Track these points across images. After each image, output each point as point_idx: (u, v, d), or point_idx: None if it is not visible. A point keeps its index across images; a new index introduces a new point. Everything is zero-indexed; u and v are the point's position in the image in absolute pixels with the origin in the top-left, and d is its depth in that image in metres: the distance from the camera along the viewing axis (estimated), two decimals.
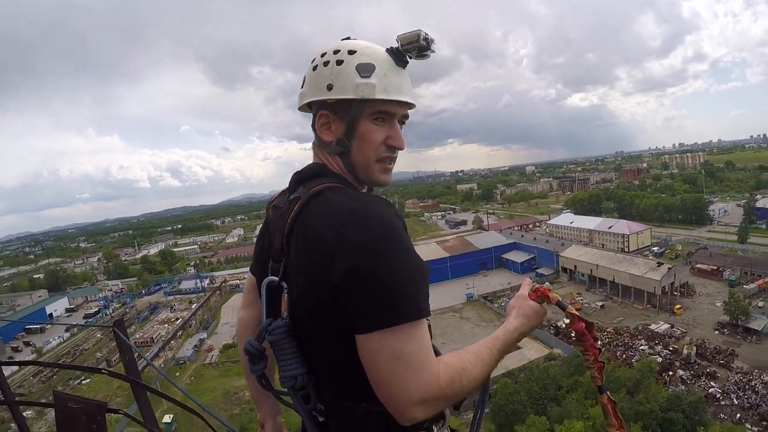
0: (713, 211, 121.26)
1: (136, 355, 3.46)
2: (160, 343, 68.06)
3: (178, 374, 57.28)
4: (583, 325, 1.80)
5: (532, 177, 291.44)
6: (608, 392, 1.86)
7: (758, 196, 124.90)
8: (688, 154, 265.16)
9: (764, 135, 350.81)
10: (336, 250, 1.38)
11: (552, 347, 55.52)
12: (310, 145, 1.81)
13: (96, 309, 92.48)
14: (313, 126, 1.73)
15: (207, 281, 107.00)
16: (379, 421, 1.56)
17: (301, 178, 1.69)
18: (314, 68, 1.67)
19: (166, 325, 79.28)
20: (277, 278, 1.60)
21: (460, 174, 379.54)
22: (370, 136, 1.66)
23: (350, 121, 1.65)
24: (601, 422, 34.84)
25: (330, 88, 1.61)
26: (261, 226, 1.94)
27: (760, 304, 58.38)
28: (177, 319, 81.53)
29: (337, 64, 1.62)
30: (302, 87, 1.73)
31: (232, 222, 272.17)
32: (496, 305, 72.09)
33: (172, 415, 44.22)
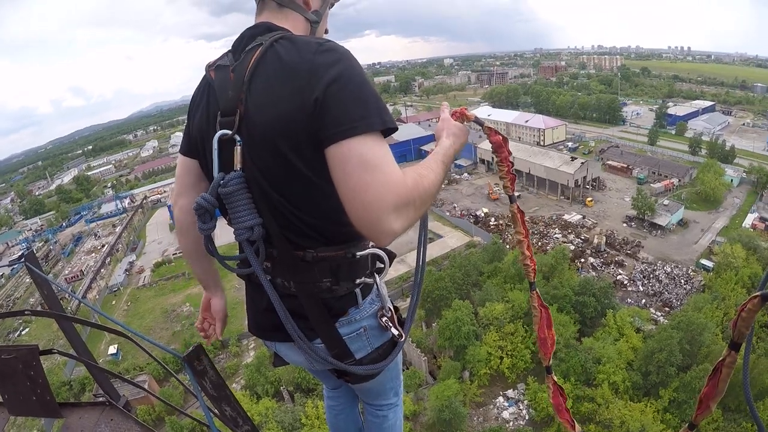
0: (626, 112, 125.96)
1: (57, 289, 3.31)
2: (91, 274, 65.11)
3: (113, 303, 56.11)
4: (500, 138, 2.04)
5: (450, 70, 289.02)
6: (518, 203, 2.21)
7: (670, 103, 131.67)
8: (606, 56, 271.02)
9: (681, 47, 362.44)
10: (312, 73, 1.50)
11: (473, 235, 57.38)
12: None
13: (20, 253, 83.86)
14: None
15: (127, 201, 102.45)
16: (329, 267, 1.75)
17: (254, 33, 1.74)
18: None
19: (93, 255, 75.80)
20: (230, 131, 1.63)
21: (378, 66, 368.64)
22: (326, 18, 1.99)
23: (325, 1, 1.95)
24: (519, 306, 36.57)
25: None
26: (191, 102, 1.90)
27: (665, 202, 62.34)
28: (103, 246, 77.92)
29: None
30: None
31: (145, 135, 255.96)
32: None
33: (116, 345, 43.98)
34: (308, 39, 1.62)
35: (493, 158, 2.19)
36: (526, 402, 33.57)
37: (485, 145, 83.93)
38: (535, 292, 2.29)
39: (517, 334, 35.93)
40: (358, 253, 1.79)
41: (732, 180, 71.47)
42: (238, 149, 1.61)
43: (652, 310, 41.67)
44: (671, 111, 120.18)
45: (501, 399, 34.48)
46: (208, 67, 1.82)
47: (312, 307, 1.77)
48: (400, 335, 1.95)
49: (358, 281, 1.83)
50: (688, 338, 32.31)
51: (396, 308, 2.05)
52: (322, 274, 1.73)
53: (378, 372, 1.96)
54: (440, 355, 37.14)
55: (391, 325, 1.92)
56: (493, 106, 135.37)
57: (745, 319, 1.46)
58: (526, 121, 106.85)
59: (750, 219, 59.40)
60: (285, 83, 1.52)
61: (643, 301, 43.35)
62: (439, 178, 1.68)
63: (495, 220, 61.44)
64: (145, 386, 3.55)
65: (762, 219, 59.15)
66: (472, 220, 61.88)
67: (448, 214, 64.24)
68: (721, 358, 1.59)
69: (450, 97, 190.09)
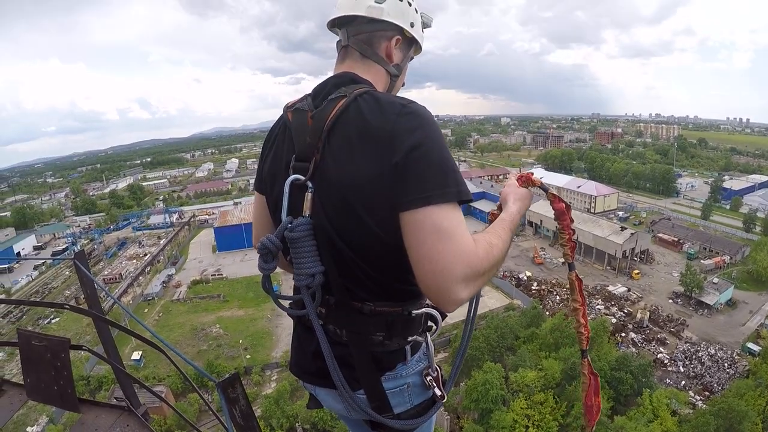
0: (681, 184, 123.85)
1: (98, 289, 3.40)
2: (129, 279, 67.04)
3: (146, 310, 57.30)
4: (564, 205, 2.08)
5: (506, 128, 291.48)
6: (576, 271, 2.17)
7: (726, 177, 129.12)
8: (663, 125, 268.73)
9: (740, 119, 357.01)
10: (394, 136, 1.52)
11: (512, 298, 57.00)
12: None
13: (64, 246, 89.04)
14: (368, 43, 1.91)
15: (176, 216, 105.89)
16: (385, 321, 1.74)
17: (338, 82, 1.77)
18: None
19: (134, 261, 77.90)
20: (303, 177, 1.65)
21: (436, 119, 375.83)
22: (405, 71, 2.07)
23: (406, 55, 2.03)
24: (552, 376, 36.26)
25: (412, 25, 1.95)
26: (266, 140, 1.97)
27: (715, 280, 60.54)
28: (145, 254, 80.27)
29: (411, 7, 1.96)
30: (380, 2, 1.89)
31: (202, 156, 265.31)
32: None
33: (140, 352, 44.46)
34: (392, 99, 1.63)
35: (556, 226, 2.18)
36: None
37: (534, 207, 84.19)
38: (586, 359, 2.32)
39: (546, 404, 35.34)
40: (414, 312, 1.81)
41: None
42: (309, 196, 1.65)
43: (691, 393, 40.31)
44: (727, 185, 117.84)
45: None
46: (287, 108, 1.85)
47: (361, 358, 1.78)
48: (442, 396, 1.94)
49: (409, 338, 1.84)
50: (726, 425, 31.36)
51: (440, 368, 2.03)
52: (376, 328, 1.74)
53: (414, 428, 1.91)
54: (464, 416, 36.60)
55: (435, 385, 1.92)
56: (547, 169, 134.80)
57: None
58: (578, 187, 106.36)
59: None
60: (365, 142, 1.55)
61: (683, 383, 42.06)
62: (507, 245, 1.74)
63: (537, 285, 61.05)
64: (163, 396, 3.90)
65: None
66: (513, 283, 61.60)
67: None
68: None
69: (504, 156, 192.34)
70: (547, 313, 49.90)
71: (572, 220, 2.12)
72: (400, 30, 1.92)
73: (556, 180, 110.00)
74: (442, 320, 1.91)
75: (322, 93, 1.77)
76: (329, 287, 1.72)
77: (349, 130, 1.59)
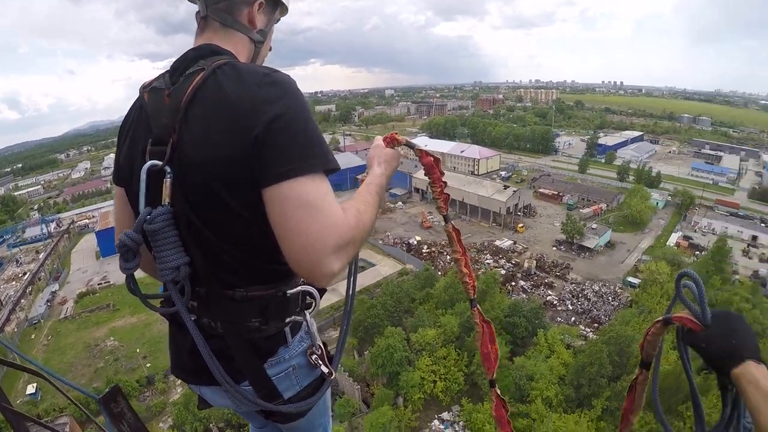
0: (559, 143, 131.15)
1: None
2: (10, 305, 60.54)
3: (33, 336, 52.56)
4: (431, 159, 2.05)
5: (391, 100, 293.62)
6: (452, 222, 2.17)
7: (601, 134, 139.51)
8: (542, 90, 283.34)
9: (614, 82, 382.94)
10: (255, 107, 1.41)
11: (405, 263, 57.55)
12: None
13: None
14: (228, 11, 1.73)
15: (53, 225, 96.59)
16: (259, 306, 1.65)
17: (197, 55, 1.61)
18: None
19: (14, 283, 70.65)
20: (160, 162, 1.50)
21: (319, 95, 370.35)
22: (271, 36, 1.91)
23: (271, 18, 1.87)
24: (451, 330, 36.87)
25: None
26: (121, 126, 1.77)
27: (594, 226, 65.26)
28: (25, 273, 73.23)
29: None
30: None
31: (78, 155, 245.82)
32: None
33: (34, 384, 41.12)
34: (254, 69, 1.52)
35: (427, 187, 2.15)
36: (461, 423, 33.47)
37: (420, 174, 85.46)
38: (476, 308, 2.30)
39: (449, 357, 35.98)
40: (289, 291, 1.71)
41: (657, 203, 75.72)
42: (167, 182, 1.51)
43: (581, 327, 42.83)
44: (602, 141, 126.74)
45: (436, 422, 34.26)
46: (143, 88, 1.71)
47: (239, 348, 1.68)
48: (330, 373, 1.89)
49: (287, 320, 1.75)
50: (617, 350, 33.29)
51: (325, 344, 1.99)
52: (251, 314, 1.65)
53: (307, 409, 1.88)
54: (373, 383, 36.82)
55: (321, 363, 1.86)
56: (431, 137, 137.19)
57: (651, 342, 1.65)
58: (462, 151, 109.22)
59: (674, 238, 63.13)
60: (224, 116, 1.43)
61: (573, 319, 44.50)
62: (376, 209, 1.70)
63: (428, 248, 62.00)
64: (66, 430, 3.37)
65: (686, 237, 62.98)
66: (404, 248, 62.33)
67: (381, 242, 64.19)
68: (634, 377, 1.77)
69: (389, 127, 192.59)
70: (440, 273, 50.92)
71: (442, 173, 2.09)
72: None
73: (440, 146, 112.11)
74: (320, 295, 1.81)
75: (180, 69, 1.60)
76: (198, 278, 1.61)
77: (208, 106, 1.46)
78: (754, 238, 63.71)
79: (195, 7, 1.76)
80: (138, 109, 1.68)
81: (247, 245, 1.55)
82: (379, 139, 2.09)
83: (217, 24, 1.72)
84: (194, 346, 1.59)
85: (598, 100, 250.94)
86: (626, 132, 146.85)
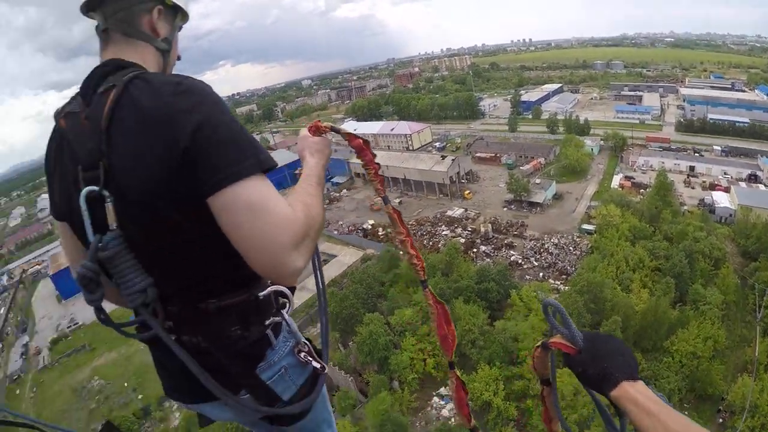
0: (484, 106, 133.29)
1: None
2: None
3: (18, 392, 50.30)
4: (360, 141, 2.01)
5: (310, 90, 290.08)
6: (392, 203, 2.14)
7: (522, 91, 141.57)
8: (456, 57, 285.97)
9: (523, 39, 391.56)
10: (174, 120, 1.37)
11: (365, 249, 57.46)
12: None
13: None
14: (128, 21, 1.67)
15: (5, 278, 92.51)
16: (236, 314, 1.63)
17: (105, 71, 1.55)
18: None
19: None
20: (97, 187, 1.44)
21: (237, 96, 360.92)
22: (176, 43, 1.87)
23: (173, 25, 1.82)
24: (427, 306, 36.78)
25: None
26: (45, 160, 1.69)
27: (537, 180, 66.67)
28: None
29: None
30: None
31: (9, 202, 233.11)
32: None
33: None
34: (165, 79, 1.45)
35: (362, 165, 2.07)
36: None
37: (358, 159, 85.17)
38: (427, 290, 2.23)
39: (432, 333, 35.83)
40: (261, 294, 1.68)
41: (592, 149, 78.17)
42: (109, 206, 1.42)
43: (551, 280, 43.84)
44: (525, 98, 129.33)
45: (436, 399, 34.68)
46: (57, 114, 1.61)
47: (228, 359, 1.63)
48: (323, 367, 1.88)
49: (267, 322, 1.72)
50: (592, 298, 34.32)
51: (309, 340, 1.95)
52: (229, 323, 1.61)
53: (310, 406, 1.86)
54: (365, 372, 36.91)
55: (311, 359, 1.84)
56: (358, 120, 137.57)
57: (538, 365, 1.68)
58: (392, 130, 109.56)
59: (617, 180, 65.60)
60: (147, 132, 1.37)
61: (541, 274, 45.50)
62: (321, 199, 1.69)
63: (383, 230, 61.80)
64: None
65: (627, 178, 65.57)
66: (360, 234, 62.31)
67: (336, 232, 63.94)
68: (540, 392, 1.80)
69: (313, 117, 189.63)
70: (401, 252, 50.38)
71: (374, 155, 2.06)
72: (159, 1, 1.71)
73: (370, 128, 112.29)
74: (292, 293, 1.85)
75: (90, 87, 1.55)
76: (167, 297, 1.57)
77: (129, 125, 1.41)
78: (692, 168, 66.82)
79: (91, 28, 1.68)
80: (58, 138, 1.61)
81: (206, 256, 1.53)
82: (304, 131, 2.07)
83: (119, 36, 1.66)
84: (184, 367, 1.53)
85: (512, 59, 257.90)
86: (546, 86, 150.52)
